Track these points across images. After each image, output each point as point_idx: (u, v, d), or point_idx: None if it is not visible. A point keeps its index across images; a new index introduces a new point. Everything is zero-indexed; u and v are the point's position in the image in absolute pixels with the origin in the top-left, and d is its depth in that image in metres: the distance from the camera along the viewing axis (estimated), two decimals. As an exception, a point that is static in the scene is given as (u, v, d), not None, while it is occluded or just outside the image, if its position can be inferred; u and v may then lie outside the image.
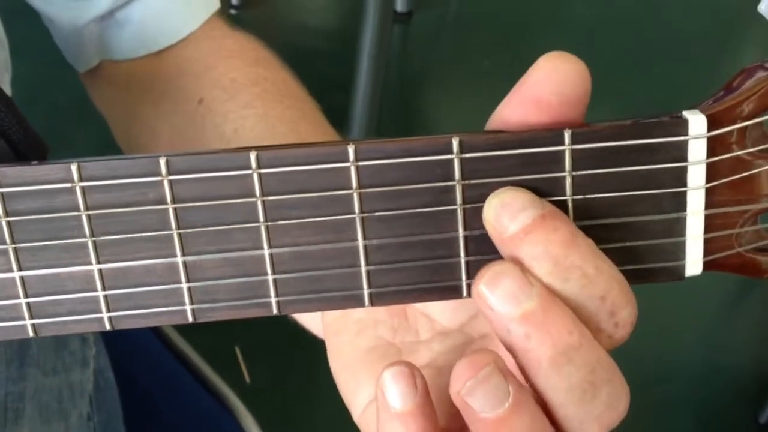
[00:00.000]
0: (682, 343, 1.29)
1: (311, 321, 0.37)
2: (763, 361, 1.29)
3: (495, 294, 0.25)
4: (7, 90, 0.46)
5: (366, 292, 0.27)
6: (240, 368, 1.14)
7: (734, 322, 1.36)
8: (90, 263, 0.26)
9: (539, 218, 0.25)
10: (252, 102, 0.44)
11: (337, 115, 1.35)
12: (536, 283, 0.25)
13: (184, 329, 0.66)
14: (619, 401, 0.25)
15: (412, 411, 0.26)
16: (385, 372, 0.26)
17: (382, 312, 0.32)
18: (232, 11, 1.69)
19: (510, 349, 0.25)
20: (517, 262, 0.25)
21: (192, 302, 0.27)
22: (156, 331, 0.65)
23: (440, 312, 0.32)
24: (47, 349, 0.49)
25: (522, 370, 0.25)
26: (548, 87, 0.25)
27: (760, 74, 0.26)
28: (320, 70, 1.57)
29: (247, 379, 1.13)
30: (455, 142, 0.25)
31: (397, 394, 0.26)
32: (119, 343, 0.59)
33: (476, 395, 0.24)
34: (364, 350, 0.31)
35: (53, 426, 0.49)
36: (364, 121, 1.36)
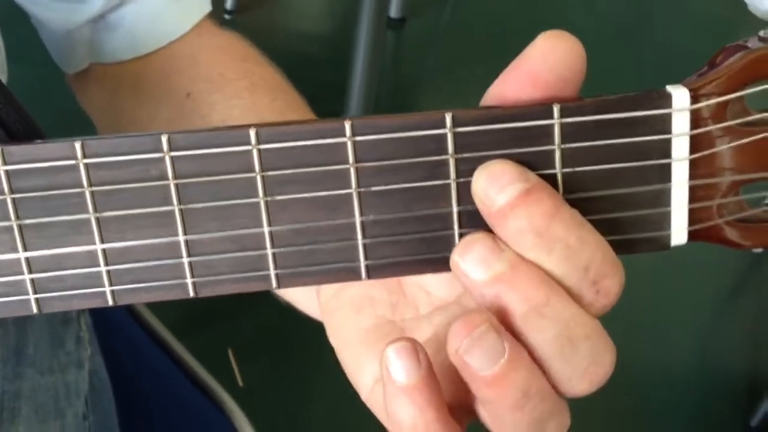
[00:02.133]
0: (673, 347, 1.30)
1: (307, 302, 0.38)
2: (755, 365, 1.29)
3: (467, 261, 0.26)
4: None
5: (363, 264, 0.28)
6: (233, 371, 1.14)
7: (725, 327, 1.37)
8: (93, 239, 0.27)
9: (524, 192, 0.26)
10: (240, 93, 0.45)
11: (331, 120, 1.35)
12: (506, 248, 0.26)
13: (176, 330, 0.66)
14: (603, 357, 0.26)
15: (417, 384, 0.26)
16: (388, 348, 0.27)
17: (379, 289, 0.33)
18: (227, 16, 1.70)
19: (492, 314, 0.26)
20: (491, 232, 0.26)
21: (193, 276, 0.27)
22: (151, 333, 0.65)
23: (437, 286, 0.32)
24: (43, 349, 0.49)
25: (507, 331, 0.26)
26: (545, 65, 0.26)
27: (741, 51, 0.27)
28: (314, 76, 1.57)
29: (240, 381, 1.13)
30: (448, 117, 0.26)
31: (401, 369, 0.26)
32: (114, 344, 0.59)
33: (473, 353, 0.25)
34: (366, 330, 0.32)
35: (49, 425, 0.49)
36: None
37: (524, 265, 0.26)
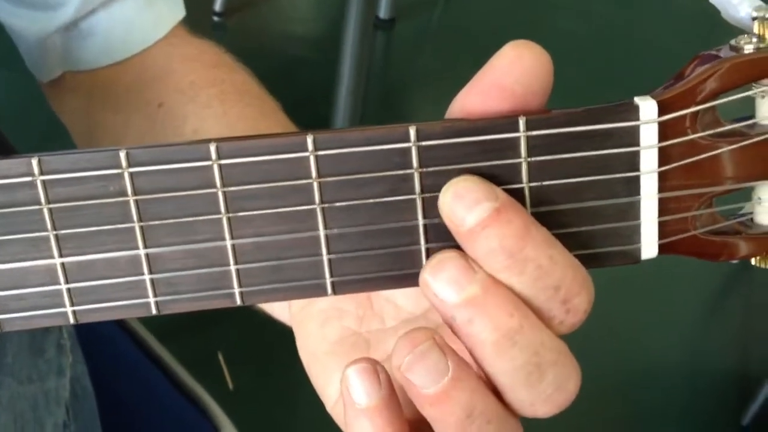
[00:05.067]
0: (662, 348, 1.30)
1: (280, 311, 0.38)
2: (745, 364, 1.30)
3: (438, 281, 0.25)
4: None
5: (328, 280, 0.27)
6: (223, 374, 1.14)
7: (715, 327, 1.37)
8: (53, 257, 0.26)
9: (494, 212, 0.25)
10: (210, 102, 0.44)
11: (321, 123, 1.35)
12: (479, 269, 0.25)
13: (165, 334, 0.66)
14: (568, 382, 0.26)
15: (377, 406, 0.26)
16: (348, 369, 0.26)
17: (347, 302, 0.32)
18: (215, 18, 1.69)
19: (457, 335, 0.26)
20: (462, 251, 0.26)
21: (155, 294, 0.27)
22: (135, 339, 0.65)
23: (404, 299, 0.32)
24: (22, 358, 0.49)
25: (471, 355, 0.26)
26: (512, 75, 0.25)
27: (713, 60, 0.26)
28: (303, 78, 1.57)
29: (230, 385, 1.12)
30: (412, 131, 0.26)
31: (361, 390, 0.26)
32: (97, 351, 0.59)
33: (416, 370, 0.25)
34: (332, 342, 0.32)
35: (28, 434, 0.49)
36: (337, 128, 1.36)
37: (496, 288, 0.25)
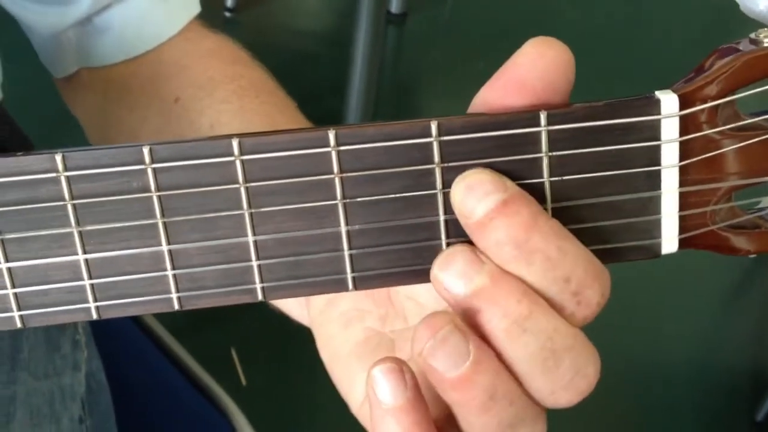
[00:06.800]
0: (678, 343, 1.30)
1: (298, 311, 0.37)
2: (759, 360, 1.29)
3: (447, 274, 0.26)
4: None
5: (349, 276, 0.27)
6: (236, 370, 1.14)
7: (730, 322, 1.36)
8: (76, 253, 0.26)
9: (501, 204, 0.25)
10: (228, 98, 0.44)
11: (333, 118, 1.36)
12: (487, 261, 0.25)
13: (179, 330, 0.66)
14: (587, 367, 0.26)
15: (403, 406, 0.26)
16: (374, 369, 0.26)
17: (367, 302, 0.32)
18: (227, 14, 1.69)
19: (473, 329, 0.26)
20: (472, 244, 0.26)
21: (178, 290, 0.27)
22: (149, 334, 0.65)
23: (426, 295, 0.32)
24: (38, 353, 0.49)
25: (488, 345, 0.26)
26: (533, 72, 0.26)
27: (732, 54, 0.26)
28: (315, 74, 1.57)
29: (243, 380, 1.13)
30: (434, 126, 0.26)
31: (387, 390, 0.26)
32: (112, 346, 0.59)
33: (437, 355, 0.25)
34: (356, 343, 0.32)
35: (44, 429, 0.49)
36: (358, 123, 1.36)
37: (505, 278, 0.25)
